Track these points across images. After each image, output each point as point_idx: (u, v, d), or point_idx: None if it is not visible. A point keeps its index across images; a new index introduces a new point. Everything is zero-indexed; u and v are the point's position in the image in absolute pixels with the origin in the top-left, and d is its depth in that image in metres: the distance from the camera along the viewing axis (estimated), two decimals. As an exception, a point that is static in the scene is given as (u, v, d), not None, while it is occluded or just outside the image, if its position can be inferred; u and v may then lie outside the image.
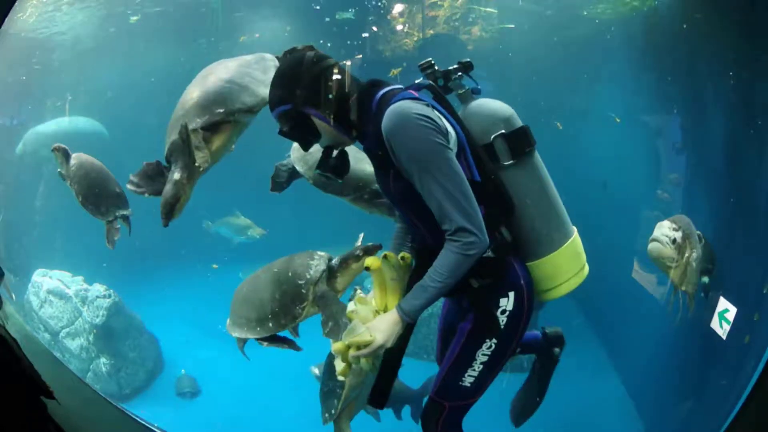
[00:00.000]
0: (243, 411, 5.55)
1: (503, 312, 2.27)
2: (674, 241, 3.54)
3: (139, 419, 3.46)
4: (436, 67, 2.40)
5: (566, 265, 2.39)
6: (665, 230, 3.57)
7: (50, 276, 6.29)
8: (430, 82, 2.33)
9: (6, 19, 2.91)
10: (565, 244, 2.37)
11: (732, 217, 4.18)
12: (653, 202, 5.69)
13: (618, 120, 6.34)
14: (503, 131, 2.30)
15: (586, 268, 2.49)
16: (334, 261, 3.28)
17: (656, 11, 6.05)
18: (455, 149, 2.10)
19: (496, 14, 8.07)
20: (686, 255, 3.59)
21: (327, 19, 7.73)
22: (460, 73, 2.42)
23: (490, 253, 2.18)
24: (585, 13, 7.36)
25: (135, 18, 8.65)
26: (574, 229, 2.46)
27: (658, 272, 4.15)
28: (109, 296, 6.12)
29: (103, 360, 6.01)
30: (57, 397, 1.95)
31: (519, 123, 2.36)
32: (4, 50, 5.99)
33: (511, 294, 2.27)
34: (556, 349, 3.00)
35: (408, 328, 2.19)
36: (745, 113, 4.12)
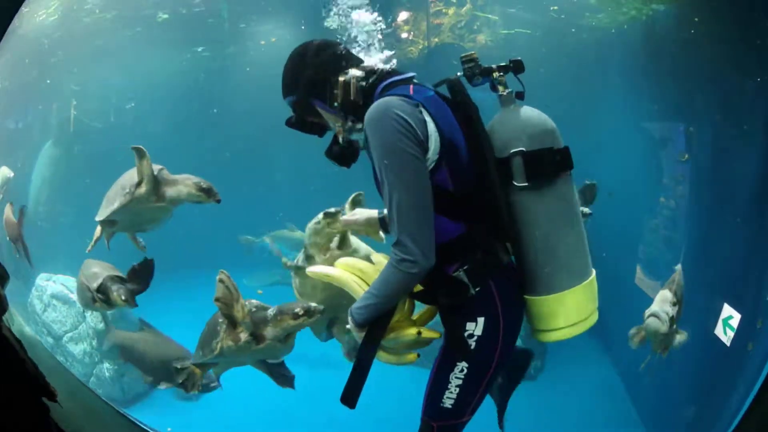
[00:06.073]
0: (246, 419, 5.54)
1: (470, 336, 2.07)
2: (672, 318, 3.55)
3: (141, 424, 3.46)
4: (478, 62, 2.14)
5: (563, 312, 2.12)
6: (667, 306, 3.56)
7: (54, 280, 6.29)
8: (461, 77, 2.14)
9: (15, 20, 2.90)
10: (568, 290, 2.08)
11: (736, 224, 4.17)
12: (658, 211, 5.69)
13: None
14: (523, 148, 2.02)
15: (594, 317, 2.18)
16: (271, 310, 3.26)
17: (653, 20, 6.06)
18: (434, 158, 1.96)
19: (500, 22, 8.11)
20: (674, 327, 3.62)
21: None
22: (501, 73, 2.15)
23: (462, 274, 2.02)
24: (583, 23, 7.39)
25: (164, 16, 8.70)
26: (592, 273, 2.16)
27: (661, 279, 4.15)
28: (113, 302, 6.11)
29: (106, 365, 6.00)
30: (60, 401, 1.95)
31: (552, 143, 2.06)
32: (18, 51, 6.02)
33: (481, 320, 2.06)
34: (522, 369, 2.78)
35: (377, 330, 2.10)
36: (748, 121, 4.12)
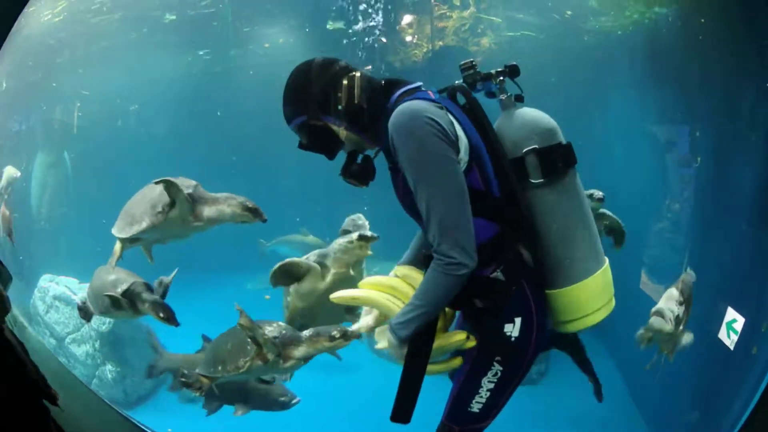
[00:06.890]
0: (248, 421, 5.53)
1: (509, 338, 2.08)
2: (677, 317, 3.52)
3: (143, 426, 3.46)
4: (477, 68, 2.19)
5: (588, 299, 2.16)
6: (672, 305, 3.53)
7: (57, 282, 6.30)
8: (464, 84, 2.18)
9: (20, 20, 2.88)
10: (590, 277, 2.14)
11: (741, 228, 4.16)
12: (662, 214, 5.67)
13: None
14: (536, 146, 2.08)
15: (612, 303, 2.25)
16: (306, 331, 3.22)
17: (656, 24, 6.05)
18: (465, 158, 1.96)
19: (504, 25, 8.10)
20: (680, 328, 3.58)
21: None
22: (501, 78, 2.21)
23: (499, 275, 2.04)
24: (587, 26, 7.38)
25: (172, 17, 8.72)
26: (606, 260, 2.24)
27: (665, 283, 4.13)
28: (116, 304, 6.11)
29: (108, 367, 6.00)
30: (61, 402, 1.94)
31: (558, 139, 2.14)
32: (23, 51, 6.04)
33: (518, 320, 2.07)
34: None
35: (425, 342, 2.05)
36: (753, 124, 4.11)
